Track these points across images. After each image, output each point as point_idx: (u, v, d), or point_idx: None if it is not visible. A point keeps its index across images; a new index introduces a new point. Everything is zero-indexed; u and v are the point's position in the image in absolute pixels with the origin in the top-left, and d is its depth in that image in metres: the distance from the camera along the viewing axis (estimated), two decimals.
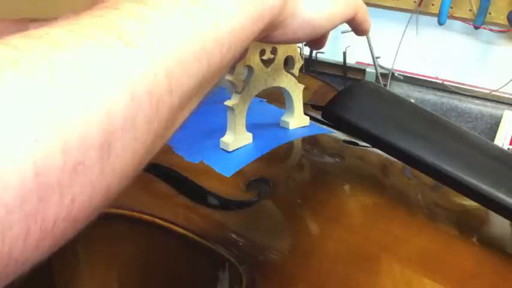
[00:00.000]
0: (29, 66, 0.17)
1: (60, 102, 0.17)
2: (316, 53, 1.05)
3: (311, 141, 0.50)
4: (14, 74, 0.16)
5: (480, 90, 0.98)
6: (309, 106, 0.56)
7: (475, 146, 0.39)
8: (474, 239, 0.38)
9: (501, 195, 0.35)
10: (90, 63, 0.18)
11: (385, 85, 1.01)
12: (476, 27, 0.95)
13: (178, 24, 0.22)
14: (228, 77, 0.43)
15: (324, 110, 0.43)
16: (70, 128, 0.17)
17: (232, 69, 0.43)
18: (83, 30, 0.19)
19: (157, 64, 0.20)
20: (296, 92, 0.49)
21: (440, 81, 1.00)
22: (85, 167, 0.18)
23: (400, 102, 0.42)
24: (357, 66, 1.06)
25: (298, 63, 0.48)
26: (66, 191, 0.17)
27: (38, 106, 0.16)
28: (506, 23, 0.91)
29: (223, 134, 0.46)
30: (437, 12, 0.94)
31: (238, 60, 0.42)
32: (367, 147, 0.48)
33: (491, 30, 0.96)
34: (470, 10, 0.95)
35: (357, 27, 0.38)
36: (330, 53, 1.06)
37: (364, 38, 0.98)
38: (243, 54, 0.40)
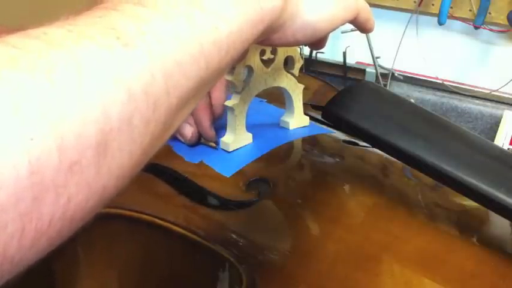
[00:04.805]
0: (27, 65, 0.17)
1: (57, 101, 0.17)
2: (316, 53, 1.05)
3: (311, 141, 0.50)
4: (12, 73, 0.17)
5: (480, 90, 0.98)
6: (309, 106, 0.56)
7: (475, 146, 0.39)
8: (474, 239, 0.38)
9: (501, 195, 0.35)
10: (88, 63, 0.18)
11: (385, 85, 1.01)
12: (476, 27, 0.95)
13: (177, 26, 0.22)
14: (228, 77, 0.43)
15: (324, 110, 0.43)
16: (66, 127, 0.17)
17: (232, 69, 0.43)
18: (81, 30, 0.19)
19: (154, 65, 0.21)
20: (296, 92, 0.49)
21: (440, 81, 1.00)
22: (81, 166, 0.18)
23: (400, 102, 0.42)
24: (357, 66, 1.06)
25: (298, 63, 0.48)
26: (62, 191, 0.17)
27: (34, 104, 0.17)
28: (506, 23, 0.91)
29: (223, 134, 0.46)
30: (437, 12, 0.94)
31: (238, 61, 0.42)
32: (367, 147, 0.48)
33: (491, 30, 0.96)
34: (470, 10, 0.95)
35: (360, 27, 0.38)
36: (330, 53, 1.06)
37: (364, 38, 0.98)
38: (243, 56, 0.40)
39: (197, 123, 0.47)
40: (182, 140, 0.48)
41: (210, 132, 0.46)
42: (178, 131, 0.47)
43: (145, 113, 0.20)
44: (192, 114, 0.47)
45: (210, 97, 0.47)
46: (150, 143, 0.21)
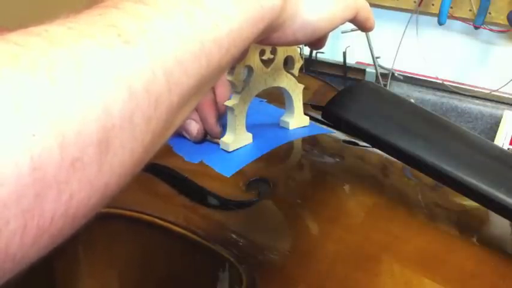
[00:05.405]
0: (28, 63, 0.17)
1: (58, 98, 0.17)
2: (316, 53, 1.05)
3: (311, 141, 0.50)
4: (14, 70, 0.17)
5: (480, 90, 0.98)
6: (309, 106, 0.56)
7: (475, 146, 0.39)
8: (474, 239, 0.38)
9: (501, 195, 0.35)
10: (89, 61, 0.19)
11: (385, 85, 1.01)
12: (476, 27, 0.95)
13: (178, 24, 0.22)
14: (228, 77, 0.43)
15: (324, 110, 0.43)
16: (67, 124, 0.17)
17: (232, 69, 0.43)
18: (82, 28, 0.20)
19: (155, 63, 0.21)
20: (296, 92, 0.49)
21: (440, 81, 1.00)
22: (83, 163, 0.18)
23: (400, 102, 0.42)
24: (357, 66, 1.06)
25: (298, 63, 0.48)
26: (64, 188, 0.17)
27: (36, 101, 0.17)
28: (506, 23, 0.91)
29: (223, 134, 0.46)
30: (437, 12, 0.94)
31: (238, 61, 0.42)
32: (367, 147, 0.48)
33: (491, 30, 0.96)
34: (470, 10, 0.95)
35: (360, 26, 0.38)
36: (330, 53, 1.06)
37: (364, 38, 0.98)
38: (243, 55, 0.41)
39: (202, 120, 0.47)
40: (188, 137, 0.48)
41: (215, 128, 0.47)
42: (184, 128, 0.47)
43: (146, 110, 0.20)
44: (198, 111, 0.47)
45: (214, 94, 0.47)
46: (151, 140, 0.21)
